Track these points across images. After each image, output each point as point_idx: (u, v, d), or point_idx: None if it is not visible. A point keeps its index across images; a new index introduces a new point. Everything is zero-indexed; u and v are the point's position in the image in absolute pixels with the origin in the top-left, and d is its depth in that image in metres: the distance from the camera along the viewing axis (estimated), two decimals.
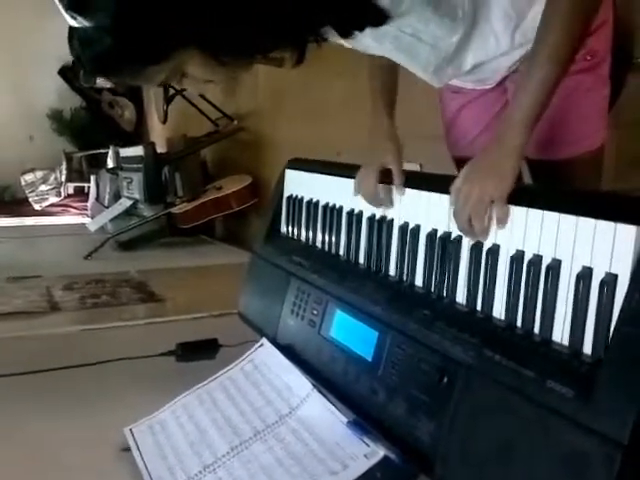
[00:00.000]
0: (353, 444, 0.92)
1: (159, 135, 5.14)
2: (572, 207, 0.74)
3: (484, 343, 0.79)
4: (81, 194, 5.15)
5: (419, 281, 0.97)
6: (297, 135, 3.10)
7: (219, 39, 0.70)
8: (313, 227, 1.27)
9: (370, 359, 0.96)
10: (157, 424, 1.09)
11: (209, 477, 0.93)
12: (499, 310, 0.83)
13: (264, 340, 1.21)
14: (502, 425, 0.73)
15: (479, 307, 0.86)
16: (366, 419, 0.94)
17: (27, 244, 3.75)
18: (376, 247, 1.08)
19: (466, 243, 0.89)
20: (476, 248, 0.87)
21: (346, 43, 0.88)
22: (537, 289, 0.77)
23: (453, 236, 0.91)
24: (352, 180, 1.14)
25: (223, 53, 0.73)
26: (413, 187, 1.01)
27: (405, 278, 1.01)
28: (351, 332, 1.03)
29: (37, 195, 5.26)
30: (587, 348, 0.71)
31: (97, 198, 4.46)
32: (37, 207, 5.21)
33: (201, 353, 1.37)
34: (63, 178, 5.20)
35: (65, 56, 5.01)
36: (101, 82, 3.59)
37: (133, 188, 3.65)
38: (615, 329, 0.67)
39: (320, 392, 1.04)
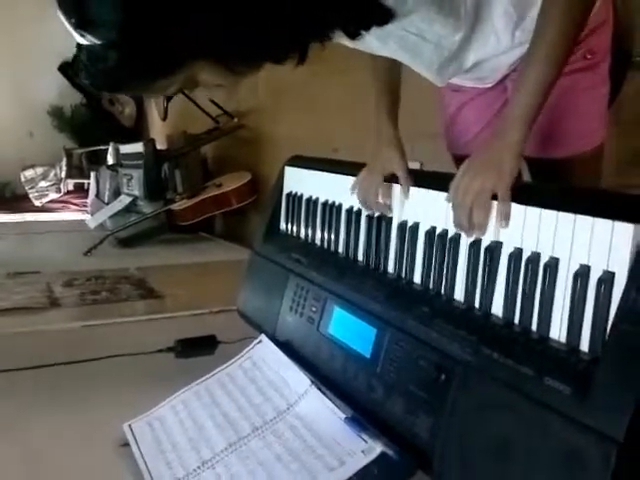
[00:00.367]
0: (351, 440, 0.92)
1: (159, 132, 5.14)
2: (570, 205, 0.75)
3: (482, 340, 0.79)
4: (81, 190, 5.15)
5: (417, 278, 0.98)
6: (297, 132, 3.10)
7: (229, 48, 0.70)
8: (312, 224, 1.27)
9: (368, 356, 0.97)
10: (156, 420, 1.09)
11: (207, 473, 0.93)
12: (497, 307, 0.83)
13: (263, 337, 1.21)
14: (499, 422, 0.73)
15: (477, 304, 0.86)
16: (364, 415, 0.94)
17: (27, 240, 3.76)
18: (375, 244, 1.08)
19: (464, 241, 0.89)
20: (474, 246, 0.87)
21: (349, 43, 0.88)
22: (535, 287, 0.78)
23: (452, 234, 0.92)
24: (352, 178, 1.14)
25: (234, 61, 0.73)
26: (413, 185, 1.02)
27: (404, 275, 1.01)
28: (350, 329, 1.03)
29: (37, 191, 5.26)
30: (584, 346, 0.71)
31: (97, 195, 4.46)
32: (37, 203, 5.21)
33: (200, 349, 1.37)
34: (63, 174, 5.20)
35: (65, 53, 5.03)
36: None
37: (133, 185, 3.65)
38: (612, 327, 0.67)
39: (318, 388, 1.04)
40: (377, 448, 0.88)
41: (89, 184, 4.78)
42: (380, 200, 1.06)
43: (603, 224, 0.70)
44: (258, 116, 3.63)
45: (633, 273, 0.66)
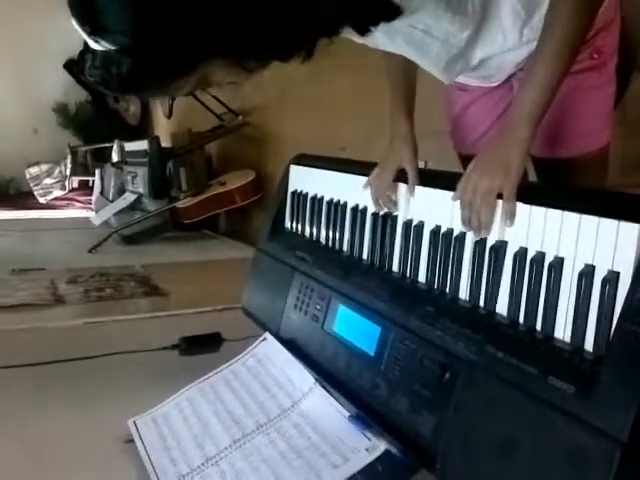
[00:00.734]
0: (355, 438, 0.92)
1: (164, 130, 5.14)
2: (575, 205, 0.75)
3: (486, 339, 0.79)
4: (85, 188, 5.16)
5: (422, 277, 0.98)
6: (302, 131, 3.10)
7: (242, 48, 0.71)
8: (317, 223, 1.27)
9: (373, 354, 0.97)
10: (160, 417, 1.09)
11: (211, 469, 0.94)
12: (502, 307, 0.83)
13: (267, 334, 1.21)
14: (503, 421, 0.73)
15: (482, 304, 0.86)
16: (368, 413, 0.94)
17: (31, 237, 3.76)
18: (380, 243, 1.08)
19: (470, 240, 0.90)
20: (479, 245, 0.87)
21: (357, 38, 0.89)
22: (540, 286, 0.78)
23: (457, 233, 0.92)
24: (357, 176, 1.14)
25: (247, 59, 0.73)
26: (419, 184, 1.02)
27: (408, 274, 1.01)
28: (354, 327, 1.03)
29: (42, 188, 5.27)
30: (589, 345, 0.71)
31: (101, 192, 4.47)
32: (42, 200, 5.22)
33: (204, 347, 1.37)
34: (68, 172, 5.21)
35: (71, 50, 5.03)
36: None
37: (137, 182, 3.66)
38: (617, 326, 0.67)
39: (322, 386, 1.04)
40: (381, 446, 0.89)
41: (94, 181, 4.79)
42: (393, 198, 1.06)
43: (608, 224, 0.70)
44: (263, 114, 3.63)
45: (638, 273, 0.66)
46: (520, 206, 0.82)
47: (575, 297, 0.73)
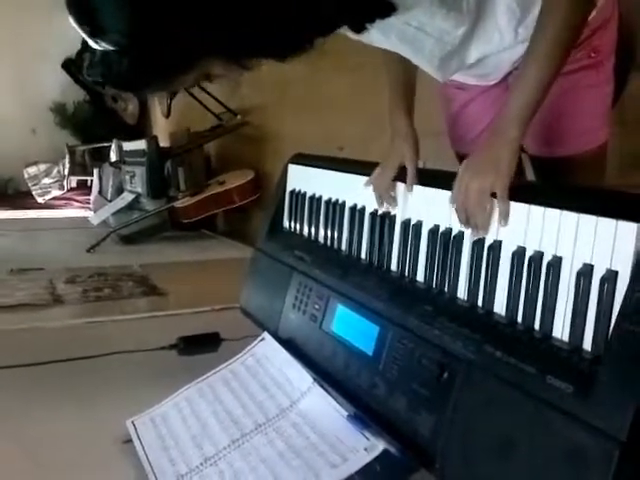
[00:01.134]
0: (353, 438, 0.92)
1: (162, 129, 5.14)
2: (573, 204, 0.75)
3: (485, 339, 0.79)
4: (84, 187, 5.15)
5: (421, 277, 0.98)
6: (300, 130, 3.09)
7: (239, 47, 0.71)
8: (315, 222, 1.27)
9: (371, 354, 0.97)
10: (159, 417, 1.09)
11: (210, 469, 0.94)
12: (500, 306, 0.83)
13: (266, 334, 1.21)
14: (502, 420, 0.73)
15: (480, 303, 0.86)
16: (366, 413, 0.94)
17: (30, 237, 3.76)
18: (378, 242, 1.08)
19: (468, 239, 0.90)
20: (478, 244, 0.87)
21: (352, 35, 0.89)
22: (538, 285, 0.78)
23: (455, 232, 0.92)
24: (355, 176, 1.14)
25: (244, 58, 0.74)
26: (417, 183, 1.02)
27: (407, 273, 1.01)
28: (352, 327, 1.03)
29: (40, 188, 5.26)
30: (587, 344, 0.71)
31: (100, 192, 4.47)
32: (40, 200, 5.21)
33: (203, 347, 1.37)
34: (66, 171, 5.21)
35: (69, 49, 5.02)
36: None
37: (136, 182, 3.66)
38: (615, 326, 0.67)
39: (321, 386, 1.04)
40: (380, 445, 0.89)
41: (92, 181, 4.79)
42: (393, 195, 1.06)
43: (606, 223, 0.70)
44: (262, 113, 3.63)
45: (636, 272, 0.66)
46: (518, 205, 0.82)
47: (573, 296, 0.73)
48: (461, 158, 1.29)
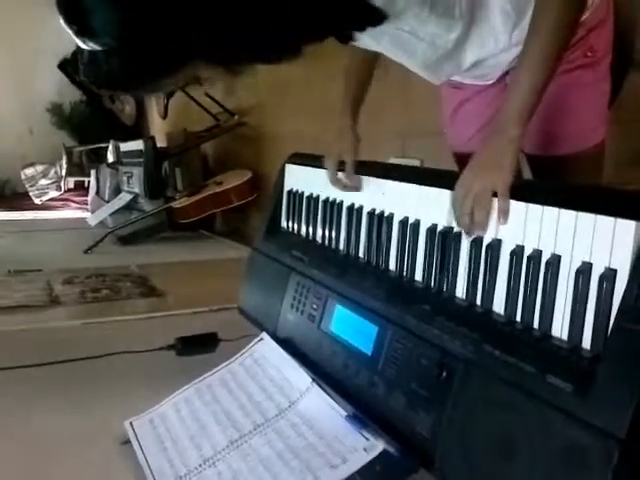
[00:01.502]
0: (352, 438, 0.92)
1: (159, 129, 5.14)
2: (572, 202, 0.75)
3: (483, 338, 0.79)
4: (81, 188, 5.15)
5: (419, 276, 0.98)
6: (298, 130, 3.09)
7: (226, 52, 0.72)
8: (313, 222, 1.27)
9: (370, 353, 0.97)
10: (157, 417, 1.09)
11: (209, 470, 0.94)
12: (499, 305, 0.83)
13: (264, 334, 1.21)
14: (501, 419, 0.73)
15: (479, 302, 0.86)
16: (365, 413, 0.94)
17: (27, 238, 3.76)
18: (376, 242, 1.08)
19: (466, 238, 0.89)
20: (476, 243, 0.87)
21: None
22: (537, 284, 0.78)
23: (453, 231, 0.92)
24: None
25: (231, 63, 0.75)
26: (414, 182, 1.01)
27: (405, 273, 1.01)
28: (351, 326, 1.03)
29: (37, 189, 5.26)
30: (586, 343, 0.71)
31: (97, 192, 4.46)
32: (37, 201, 5.21)
33: (201, 347, 1.37)
34: (63, 172, 5.20)
35: (65, 50, 5.02)
36: None
37: (133, 182, 3.65)
38: (614, 324, 0.67)
39: (320, 386, 1.04)
40: (379, 445, 0.89)
41: (89, 182, 4.78)
42: (344, 183, 1.15)
43: (605, 221, 0.70)
44: (259, 113, 3.62)
45: (635, 270, 0.66)
46: (516, 204, 0.82)
47: (572, 295, 0.73)
48: (458, 157, 1.29)
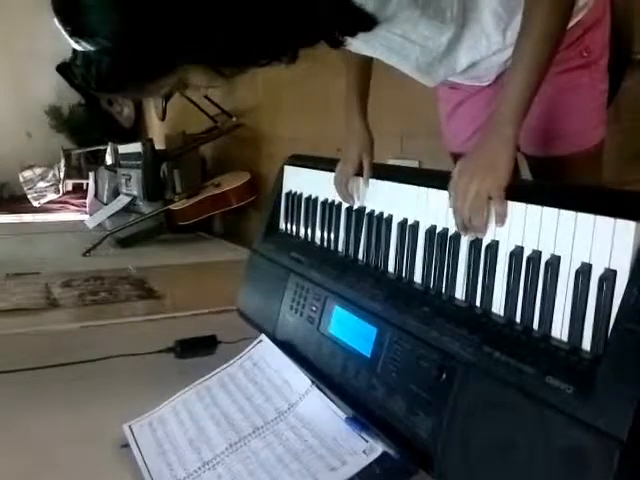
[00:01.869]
0: (352, 440, 0.92)
1: (158, 132, 5.14)
2: (571, 203, 0.74)
3: (483, 339, 0.79)
4: (80, 191, 5.15)
5: (418, 277, 0.97)
6: (296, 131, 3.09)
7: (217, 55, 0.72)
8: (312, 223, 1.27)
9: (369, 355, 0.96)
10: (156, 420, 1.09)
11: (208, 473, 0.93)
12: (498, 306, 0.83)
13: (263, 337, 1.21)
14: (501, 421, 0.73)
15: (478, 303, 0.86)
16: (365, 415, 0.94)
17: (25, 241, 3.75)
18: (375, 243, 1.08)
19: (465, 239, 0.89)
20: (475, 244, 0.87)
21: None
22: (536, 285, 0.77)
23: (452, 232, 0.91)
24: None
25: (221, 66, 0.75)
26: (412, 183, 1.01)
27: (404, 274, 1.01)
28: (350, 328, 1.03)
29: (35, 192, 5.26)
30: (586, 344, 0.71)
31: (96, 195, 4.45)
32: (35, 204, 5.20)
33: (200, 350, 1.36)
34: (61, 175, 5.20)
35: (63, 53, 5.00)
36: None
37: (131, 185, 3.65)
38: (614, 325, 0.67)
39: (319, 388, 1.04)
40: (378, 448, 0.88)
41: (88, 184, 4.78)
42: (350, 191, 1.14)
43: (605, 222, 0.70)
44: (257, 115, 3.62)
45: (635, 271, 0.66)
46: (516, 205, 0.82)
47: (572, 296, 0.73)
48: (455, 158, 1.28)
